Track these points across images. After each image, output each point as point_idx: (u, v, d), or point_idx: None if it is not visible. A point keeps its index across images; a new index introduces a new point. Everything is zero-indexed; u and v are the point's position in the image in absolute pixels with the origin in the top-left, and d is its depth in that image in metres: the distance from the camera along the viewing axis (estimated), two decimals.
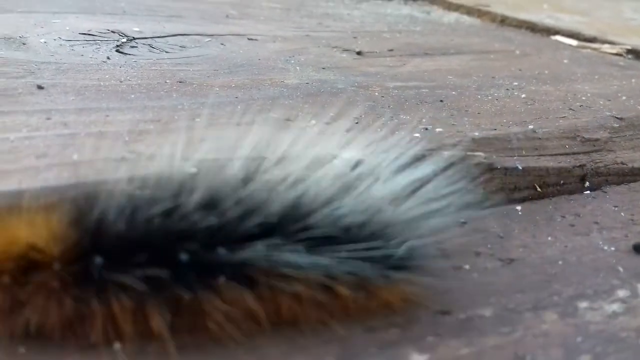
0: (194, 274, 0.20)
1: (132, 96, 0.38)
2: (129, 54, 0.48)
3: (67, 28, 0.54)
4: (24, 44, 0.48)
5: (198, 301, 0.20)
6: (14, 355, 0.20)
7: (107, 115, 0.34)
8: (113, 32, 0.54)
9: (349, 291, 0.21)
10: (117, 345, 0.20)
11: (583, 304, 0.25)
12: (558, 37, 0.73)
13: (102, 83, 0.40)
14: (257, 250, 0.20)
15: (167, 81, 0.42)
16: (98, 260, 0.19)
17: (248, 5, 0.78)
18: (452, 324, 0.23)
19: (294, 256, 0.20)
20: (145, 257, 0.19)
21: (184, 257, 0.20)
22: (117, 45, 0.50)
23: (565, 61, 0.61)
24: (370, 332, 0.22)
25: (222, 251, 0.20)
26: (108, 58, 0.46)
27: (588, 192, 0.37)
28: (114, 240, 0.20)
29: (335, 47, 0.58)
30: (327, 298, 0.21)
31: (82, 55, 0.46)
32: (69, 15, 0.59)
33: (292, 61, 0.51)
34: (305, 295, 0.21)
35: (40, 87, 0.37)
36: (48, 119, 0.32)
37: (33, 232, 0.20)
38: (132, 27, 0.56)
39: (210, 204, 0.20)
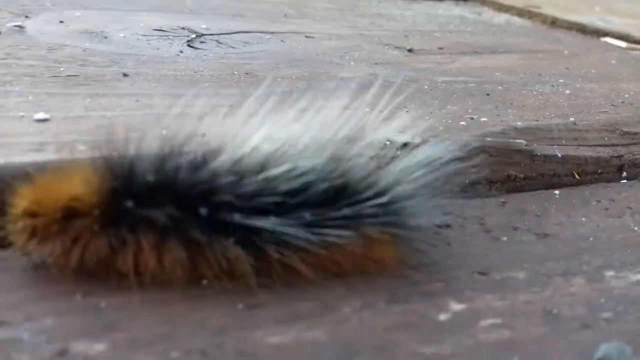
0: (209, 227, 0.23)
1: (206, 84, 0.42)
2: (199, 49, 0.53)
3: (142, 24, 0.59)
4: (105, 37, 0.53)
5: (211, 249, 0.23)
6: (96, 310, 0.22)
7: (186, 100, 0.38)
8: (183, 28, 0.58)
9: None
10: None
11: (609, 273, 0.28)
12: (607, 39, 0.74)
13: (178, 73, 0.44)
14: (267, 221, 0.23)
15: (235, 72, 0.46)
16: (129, 203, 0.23)
17: (305, 5, 0.82)
18: (488, 282, 0.26)
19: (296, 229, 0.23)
20: (168, 201, 0.23)
21: (202, 210, 0.23)
22: (188, 41, 0.55)
23: (613, 62, 0.62)
24: (416, 284, 0.26)
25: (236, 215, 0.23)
26: (181, 52, 0.51)
27: (625, 181, 0.39)
28: (142, 189, 0.23)
29: (388, 44, 0.61)
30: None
31: (158, 48, 0.51)
32: (142, 12, 0.65)
33: (347, 57, 0.54)
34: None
35: (125, 75, 0.42)
36: (136, 101, 0.36)
37: (76, 185, 0.23)
38: (200, 25, 0.61)
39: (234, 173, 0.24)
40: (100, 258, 0.23)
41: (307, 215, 0.24)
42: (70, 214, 0.23)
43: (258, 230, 0.23)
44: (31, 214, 0.23)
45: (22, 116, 0.33)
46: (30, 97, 0.36)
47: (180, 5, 0.72)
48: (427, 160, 0.27)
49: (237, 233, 0.23)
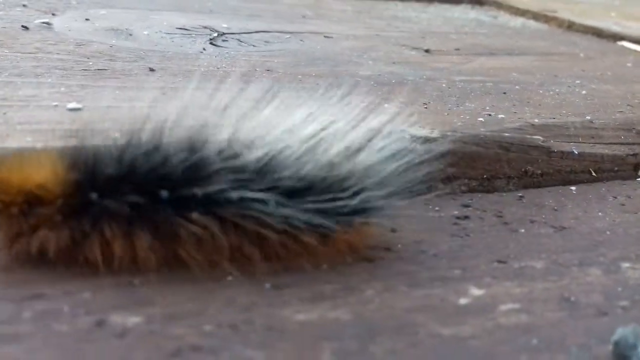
0: (173, 208, 0.23)
1: (229, 80, 0.43)
2: (221, 47, 0.54)
3: (165, 23, 0.60)
4: (130, 35, 0.54)
5: (175, 230, 0.23)
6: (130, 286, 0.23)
7: (210, 93, 0.39)
8: (205, 27, 0.60)
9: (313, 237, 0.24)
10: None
11: (625, 264, 0.28)
12: (624, 43, 0.75)
13: (202, 69, 0.45)
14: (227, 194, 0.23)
15: (257, 69, 0.47)
16: (93, 195, 0.23)
17: (321, 7, 0.83)
18: (506, 270, 0.27)
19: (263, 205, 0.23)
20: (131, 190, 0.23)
21: (163, 193, 0.23)
22: (210, 39, 0.56)
23: (629, 65, 0.63)
24: (436, 271, 0.26)
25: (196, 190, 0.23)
26: (204, 49, 0.52)
27: None
28: (105, 179, 0.23)
29: (404, 45, 0.62)
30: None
31: (181, 46, 0.52)
32: (164, 12, 0.66)
33: (365, 56, 0.55)
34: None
35: (151, 70, 0.43)
36: (163, 94, 0.37)
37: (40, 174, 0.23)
38: (221, 24, 0.62)
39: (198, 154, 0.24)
40: (63, 247, 0.23)
41: (274, 197, 0.24)
42: (32, 201, 0.23)
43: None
44: None
45: (56, 105, 0.34)
46: (62, 89, 0.37)
47: (202, 5, 0.73)
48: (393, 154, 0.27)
49: (203, 209, 0.23)
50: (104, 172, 0.23)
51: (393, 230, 0.29)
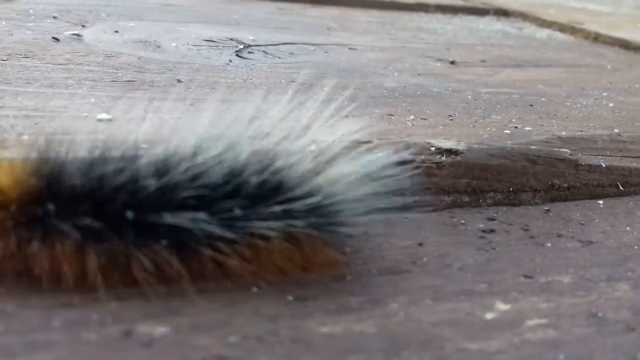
0: (130, 230, 0.22)
1: (256, 91, 0.44)
2: (248, 58, 0.55)
3: (192, 35, 0.61)
4: (158, 47, 0.55)
5: (129, 254, 0.23)
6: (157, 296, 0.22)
7: (237, 105, 0.40)
8: (231, 39, 0.60)
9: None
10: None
11: None
12: None
13: (229, 80, 0.46)
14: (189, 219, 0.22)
15: (282, 81, 0.48)
16: (49, 206, 0.22)
17: (346, 19, 0.83)
18: (533, 285, 0.27)
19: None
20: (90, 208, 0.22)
21: (129, 214, 0.22)
22: (237, 51, 0.57)
23: None
24: (462, 284, 0.26)
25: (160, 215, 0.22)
26: (230, 61, 0.53)
27: None
28: (67, 190, 0.22)
29: (430, 57, 0.62)
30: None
31: (208, 57, 0.53)
32: (191, 24, 0.67)
33: (390, 68, 0.55)
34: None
35: (179, 81, 0.44)
36: (192, 105, 0.38)
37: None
38: (247, 36, 0.62)
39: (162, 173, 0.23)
40: (9, 254, 0.23)
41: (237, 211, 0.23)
42: None
43: (185, 230, 0.23)
44: None
45: (86, 116, 0.35)
46: (92, 99, 0.38)
47: (228, 18, 0.74)
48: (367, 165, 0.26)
49: (165, 234, 0.23)
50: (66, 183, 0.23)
51: (420, 244, 0.29)
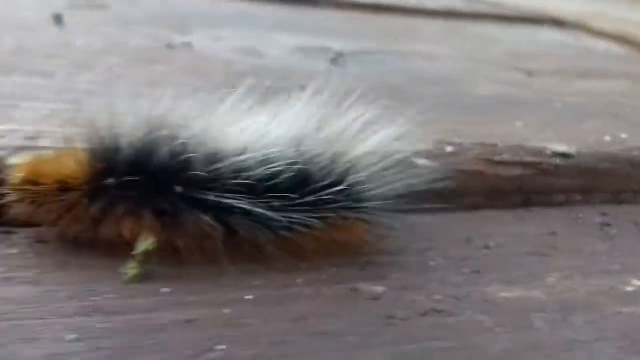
0: (183, 203, 0.26)
1: (352, 98, 0.48)
2: (342, 66, 0.60)
3: (283, 42, 0.66)
4: (260, 54, 0.60)
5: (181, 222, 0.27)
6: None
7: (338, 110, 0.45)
8: (325, 48, 0.65)
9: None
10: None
11: None
12: None
13: (327, 87, 0.50)
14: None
15: (377, 87, 0.52)
16: (110, 181, 0.27)
17: (413, 27, 0.88)
18: None
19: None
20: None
21: (178, 188, 0.26)
22: (332, 59, 0.62)
23: None
24: (598, 264, 0.31)
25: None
26: (326, 68, 0.58)
27: None
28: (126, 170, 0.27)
29: (505, 66, 0.66)
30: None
31: (306, 64, 0.58)
32: (284, 32, 0.71)
33: (474, 76, 0.60)
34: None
35: (301, 87, 0.49)
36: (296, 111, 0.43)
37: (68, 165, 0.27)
38: (340, 45, 0.67)
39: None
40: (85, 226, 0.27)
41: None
42: (62, 186, 0.27)
43: (229, 209, 0.26)
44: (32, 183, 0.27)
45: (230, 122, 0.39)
46: (232, 105, 0.43)
47: (319, 26, 0.78)
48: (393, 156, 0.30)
49: (209, 210, 0.26)
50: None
51: (552, 233, 0.34)
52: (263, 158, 0.27)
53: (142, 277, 0.25)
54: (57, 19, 0.63)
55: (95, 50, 0.54)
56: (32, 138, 0.33)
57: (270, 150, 0.28)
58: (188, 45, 0.60)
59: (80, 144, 0.28)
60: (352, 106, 0.33)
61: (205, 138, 0.28)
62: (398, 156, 0.30)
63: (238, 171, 0.27)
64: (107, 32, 0.61)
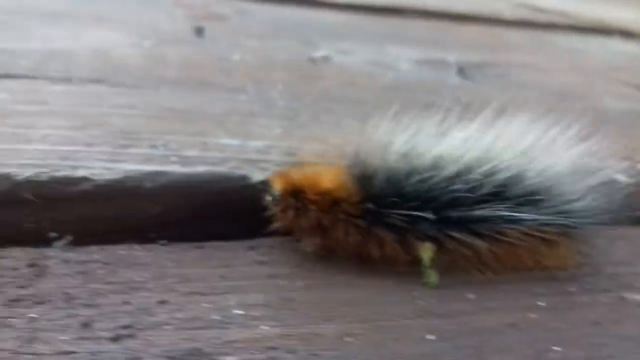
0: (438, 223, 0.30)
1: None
2: (466, 79, 0.64)
3: (410, 55, 0.69)
4: (391, 68, 0.64)
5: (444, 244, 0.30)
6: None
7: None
8: (443, 61, 0.69)
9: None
10: None
11: None
12: None
13: (459, 100, 0.53)
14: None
15: (516, 103, 0.56)
16: (370, 205, 0.30)
17: (499, 38, 0.90)
18: None
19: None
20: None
21: (429, 214, 0.30)
22: (456, 71, 0.66)
23: None
24: None
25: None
26: (457, 81, 0.62)
27: None
28: (382, 193, 0.30)
29: (616, 79, 0.70)
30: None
31: (437, 77, 0.62)
32: (396, 44, 0.73)
33: (591, 91, 0.64)
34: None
35: (460, 101, 0.53)
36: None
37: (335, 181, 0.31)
38: (454, 57, 0.71)
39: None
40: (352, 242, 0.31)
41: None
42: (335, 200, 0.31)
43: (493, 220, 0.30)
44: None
45: None
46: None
47: (419, 37, 0.81)
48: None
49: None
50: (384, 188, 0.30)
51: None
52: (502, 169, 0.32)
53: (441, 286, 0.30)
54: (199, 31, 0.67)
55: (254, 66, 0.58)
56: (289, 154, 0.37)
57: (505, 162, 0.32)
58: (326, 59, 0.64)
59: (339, 164, 0.32)
60: (532, 121, 0.37)
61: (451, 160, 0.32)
62: (599, 172, 0.35)
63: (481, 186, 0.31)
64: (249, 45, 0.65)
